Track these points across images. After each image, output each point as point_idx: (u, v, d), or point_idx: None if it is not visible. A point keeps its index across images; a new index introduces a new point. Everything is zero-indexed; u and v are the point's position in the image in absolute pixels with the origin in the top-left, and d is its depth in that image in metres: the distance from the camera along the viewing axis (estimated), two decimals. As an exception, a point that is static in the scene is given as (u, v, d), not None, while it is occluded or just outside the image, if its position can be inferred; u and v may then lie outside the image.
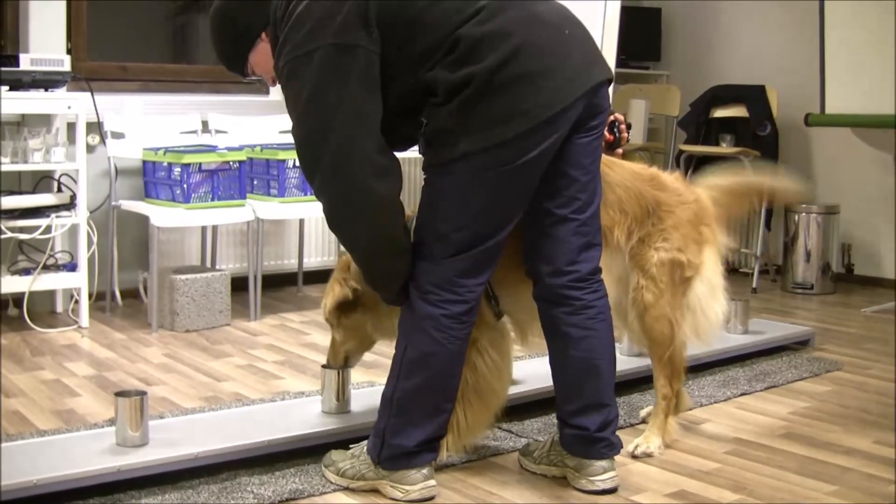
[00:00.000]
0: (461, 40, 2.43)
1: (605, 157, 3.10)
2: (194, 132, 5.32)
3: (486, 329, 2.85)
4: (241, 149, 5.00)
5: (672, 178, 3.13)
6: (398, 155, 2.57)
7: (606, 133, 2.91)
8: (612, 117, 2.94)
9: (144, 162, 4.94)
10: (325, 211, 2.57)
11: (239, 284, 5.05)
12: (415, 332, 2.62)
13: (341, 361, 3.13)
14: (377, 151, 2.47)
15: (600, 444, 2.73)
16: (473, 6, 2.45)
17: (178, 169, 4.71)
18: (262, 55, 2.64)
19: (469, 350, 2.77)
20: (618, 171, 3.02)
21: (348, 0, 2.42)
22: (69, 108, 4.62)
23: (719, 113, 6.34)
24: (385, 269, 2.63)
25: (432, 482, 2.70)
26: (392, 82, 2.49)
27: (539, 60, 2.46)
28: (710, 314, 3.14)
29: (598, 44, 5.37)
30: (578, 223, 2.66)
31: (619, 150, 2.99)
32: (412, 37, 2.46)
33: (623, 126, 2.98)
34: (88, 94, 4.81)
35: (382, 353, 3.39)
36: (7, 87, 4.48)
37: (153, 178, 4.89)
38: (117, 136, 5.07)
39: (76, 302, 4.78)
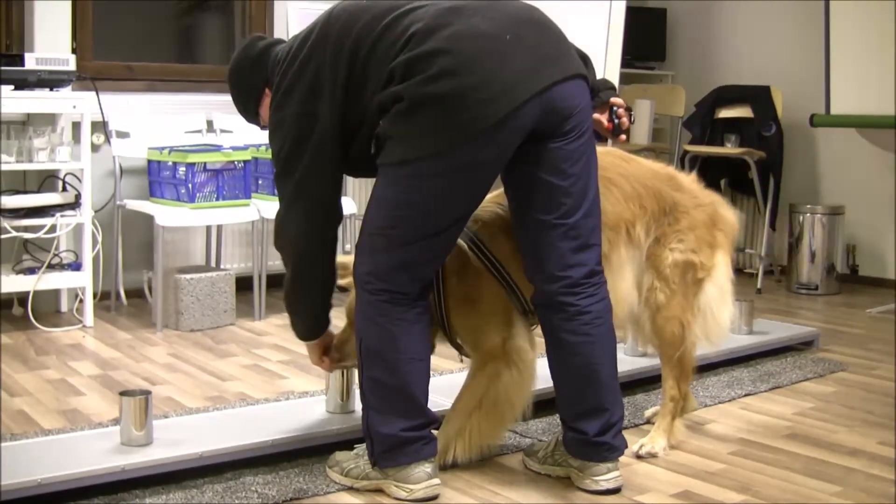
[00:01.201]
0: (395, 70, 2.52)
1: (622, 152, 3.08)
2: (199, 132, 5.33)
3: (517, 343, 2.86)
4: (245, 148, 5.00)
5: (689, 180, 3.12)
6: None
7: (605, 121, 2.87)
8: (611, 103, 2.87)
9: (149, 161, 4.94)
10: (277, 230, 2.82)
11: (244, 284, 5.06)
12: (364, 323, 2.68)
13: (347, 352, 3.08)
14: (329, 195, 2.74)
15: (601, 447, 2.73)
16: (404, 37, 2.53)
17: (183, 168, 4.72)
18: (268, 107, 2.82)
19: (497, 362, 2.82)
20: (636, 167, 3.01)
21: (310, 66, 2.64)
22: (74, 107, 4.63)
23: (724, 113, 6.33)
24: (298, 299, 2.87)
25: (436, 481, 2.70)
26: (361, 123, 2.63)
27: (469, 74, 2.46)
28: (720, 317, 3.13)
29: (604, 44, 5.38)
30: (566, 227, 2.64)
31: (623, 137, 2.95)
32: (366, 80, 2.59)
33: (622, 111, 2.88)
34: (93, 93, 4.81)
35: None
36: (12, 87, 4.48)
37: (158, 177, 4.90)
38: (122, 135, 5.07)
39: (81, 301, 4.78)
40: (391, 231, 2.60)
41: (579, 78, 2.63)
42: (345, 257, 2.99)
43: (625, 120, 2.89)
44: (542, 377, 3.28)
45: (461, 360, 3.00)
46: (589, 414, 2.72)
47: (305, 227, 2.75)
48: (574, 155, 2.62)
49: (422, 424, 2.70)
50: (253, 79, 2.84)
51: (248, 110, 2.93)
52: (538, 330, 2.87)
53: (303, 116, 2.65)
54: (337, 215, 2.79)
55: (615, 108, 2.87)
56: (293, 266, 2.80)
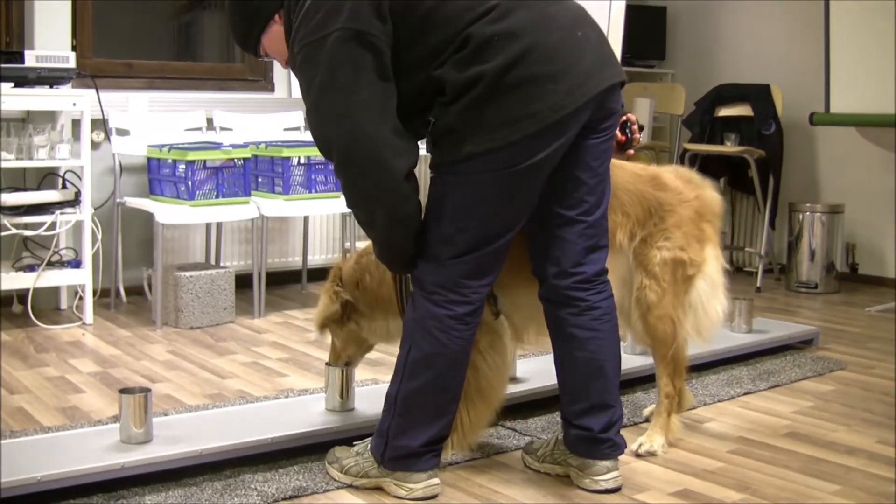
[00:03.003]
0: (471, 38, 2.41)
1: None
2: (199, 129, 5.33)
3: (486, 330, 2.85)
4: (245, 146, 5.00)
5: (672, 176, 3.12)
6: None
7: (619, 134, 2.89)
8: (624, 118, 2.91)
9: (149, 159, 4.94)
10: (343, 189, 2.56)
11: (243, 282, 5.06)
12: (419, 333, 2.61)
13: (342, 364, 3.15)
14: (392, 133, 2.46)
15: (604, 444, 2.73)
16: (485, 5, 2.43)
17: (183, 166, 4.72)
18: (274, 37, 2.63)
19: (473, 354, 2.79)
20: (618, 173, 3.01)
21: None
22: (74, 104, 4.63)
23: (724, 112, 6.33)
24: (401, 245, 2.60)
25: (436, 480, 2.70)
26: (402, 78, 2.48)
27: (549, 63, 2.44)
28: (711, 312, 3.14)
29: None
30: (586, 225, 2.65)
31: (631, 151, 2.97)
32: (423, 32, 2.45)
33: (635, 127, 2.93)
34: (93, 90, 4.81)
35: (386, 351, 3.39)
36: (12, 84, 4.48)
37: (158, 175, 4.90)
38: (122, 132, 5.07)
39: (80, 299, 4.79)
40: (461, 235, 2.53)
41: (622, 85, 2.65)
42: (339, 264, 3.01)
43: (638, 136, 2.93)
44: (540, 374, 3.29)
45: None
46: (594, 410, 2.72)
47: (379, 158, 2.43)
48: (604, 154, 2.66)
49: (441, 439, 2.71)
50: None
51: (250, 36, 2.66)
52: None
53: (355, 33, 2.39)
54: (409, 137, 2.49)
55: (629, 123, 2.92)
56: (384, 207, 2.51)
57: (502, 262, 2.64)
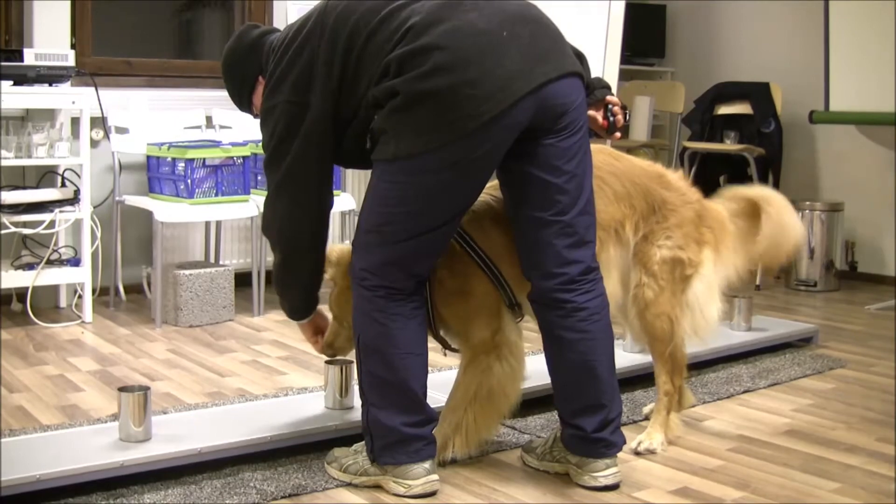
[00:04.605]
0: (390, 64, 2.51)
1: (613, 150, 3.09)
2: (198, 127, 5.33)
3: (507, 336, 2.86)
4: (245, 144, 5.00)
5: (676, 177, 3.13)
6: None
7: (600, 118, 2.86)
8: (606, 101, 2.87)
9: (148, 157, 4.94)
10: (264, 216, 2.84)
11: (242, 280, 5.06)
12: (360, 318, 2.68)
13: (336, 348, 3.05)
14: (317, 184, 2.75)
15: (599, 444, 2.73)
16: (401, 31, 2.52)
17: (182, 164, 4.72)
18: (261, 96, 2.82)
19: (488, 356, 2.82)
20: (626, 165, 3.01)
21: (303, 55, 2.64)
22: (73, 103, 4.62)
23: (724, 110, 6.33)
24: (286, 283, 2.89)
25: (435, 477, 2.70)
26: (355, 115, 2.63)
27: (464, 71, 2.45)
28: (708, 313, 3.14)
29: (603, 41, 5.39)
30: (562, 225, 2.64)
31: (617, 135, 2.95)
32: (358, 76, 2.59)
33: (617, 109, 2.88)
34: (93, 89, 4.81)
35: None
36: (11, 82, 4.48)
37: (157, 173, 4.90)
38: (121, 131, 5.07)
39: (80, 297, 4.78)
40: (385, 227, 2.60)
41: (574, 75, 2.62)
42: (332, 247, 2.99)
43: (620, 117, 2.89)
44: (539, 373, 3.28)
45: (444, 354, 3.00)
46: (587, 410, 2.72)
47: (291, 215, 2.75)
48: (568, 152, 2.63)
49: (422, 421, 2.69)
50: (247, 67, 2.84)
51: (243, 99, 2.92)
52: (528, 324, 2.88)
53: (294, 105, 2.65)
54: (323, 205, 2.78)
55: (610, 106, 2.87)
56: (280, 253, 2.82)
57: (436, 250, 2.68)
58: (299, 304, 2.95)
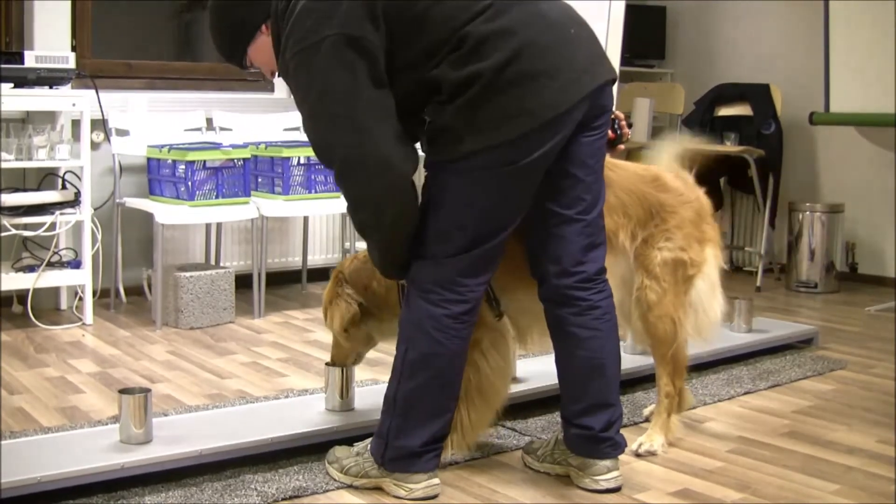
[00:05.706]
0: (467, 38, 2.41)
1: (609, 160, 3.10)
2: (199, 130, 5.33)
3: (488, 330, 2.85)
4: (245, 146, 5.00)
5: (673, 177, 3.13)
6: None
7: (609, 131, 2.90)
8: (613, 115, 2.93)
9: (149, 159, 4.94)
10: (347, 193, 2.56)
11: (243, 282, 5.06)
12: (415, 333, 2.61)
13: (351, 362, 3.15)
14: (396, 136, 2.46)
15: (605, 443, 2.73)
16: (480, 4, 2.44)
17: (183, 166, 4.72)
18: (261, 48, 2.61)
19: (471, 351, 2.78)
20: (620, 174, 3.01)
21: None
22: (74, 105, 4.62)
23: (724, 111, 6.33)
24: (403, 246, 2.61)
25: (436, 480, 2.70)
26: (396, 80, 2.48)
27: (544, 60, 2.44)
28: (711, 312, 3.15)
29: (603, 42, 5.39)
30: (584, 223, 2.66)
31: (621, 147, 2.99)
32: (417, 33, 2.44)
33: (623, 123, 2.97)
34: (93, 91, 4.81)
35: (386, 351, 3.38)
36: (12, 85, 4.48)
37: (157, 175, 4.90)
38: (122, 133, 5.07)
39: (80, 299, 4.79)
40: (459, 233, 2.53)
41: (613, 82, 2.66)
42: (340, 269, 3.01)
43: (627, 131, 2.97)
44: (540, 374, 3.29)
45: None
46: (594, 409, 2.72)
47: (388, 181, 2.47)
48: (598, 152, 2.67)
49: (441, 438, 2.70)
50: (249, 11, 2.56)
51: (236, 49, 2.63)
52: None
53: (352, 39, 2.37)
54: (413, 148, 2.52)
55: (617, 120, 2.96)
56: (397, 205, 2.52)
57: (499, 260, 2.64)
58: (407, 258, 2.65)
